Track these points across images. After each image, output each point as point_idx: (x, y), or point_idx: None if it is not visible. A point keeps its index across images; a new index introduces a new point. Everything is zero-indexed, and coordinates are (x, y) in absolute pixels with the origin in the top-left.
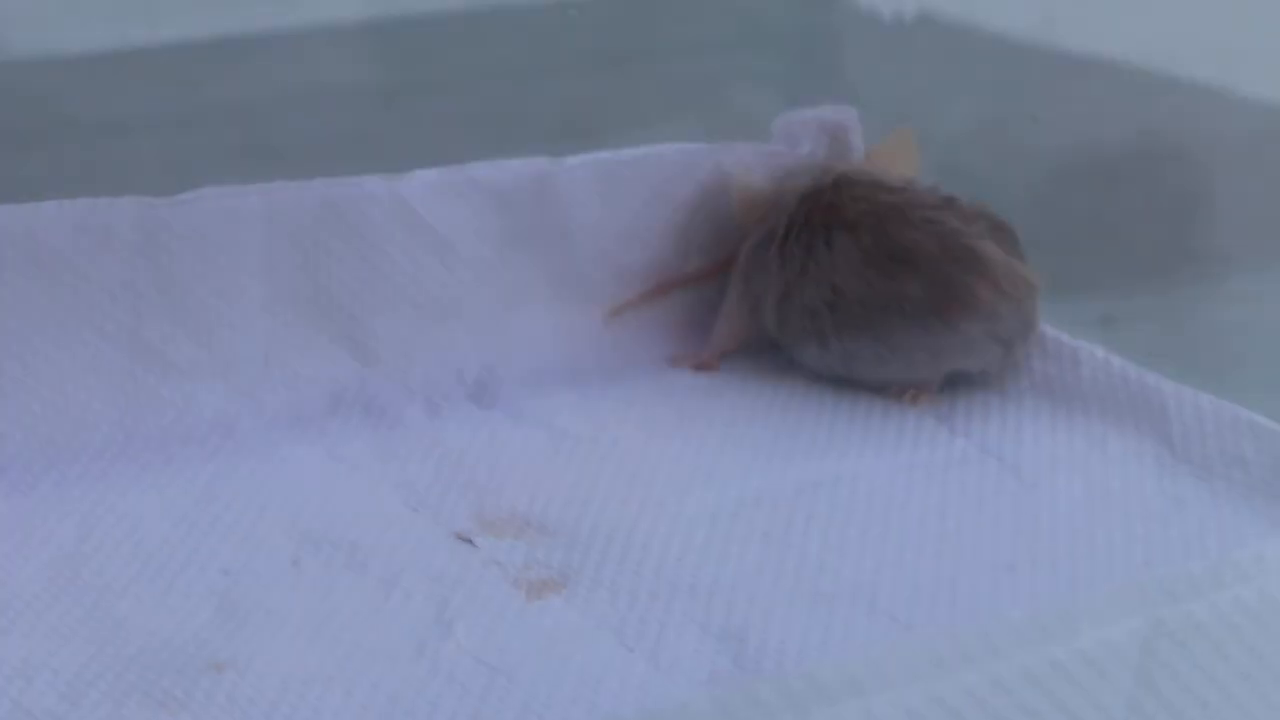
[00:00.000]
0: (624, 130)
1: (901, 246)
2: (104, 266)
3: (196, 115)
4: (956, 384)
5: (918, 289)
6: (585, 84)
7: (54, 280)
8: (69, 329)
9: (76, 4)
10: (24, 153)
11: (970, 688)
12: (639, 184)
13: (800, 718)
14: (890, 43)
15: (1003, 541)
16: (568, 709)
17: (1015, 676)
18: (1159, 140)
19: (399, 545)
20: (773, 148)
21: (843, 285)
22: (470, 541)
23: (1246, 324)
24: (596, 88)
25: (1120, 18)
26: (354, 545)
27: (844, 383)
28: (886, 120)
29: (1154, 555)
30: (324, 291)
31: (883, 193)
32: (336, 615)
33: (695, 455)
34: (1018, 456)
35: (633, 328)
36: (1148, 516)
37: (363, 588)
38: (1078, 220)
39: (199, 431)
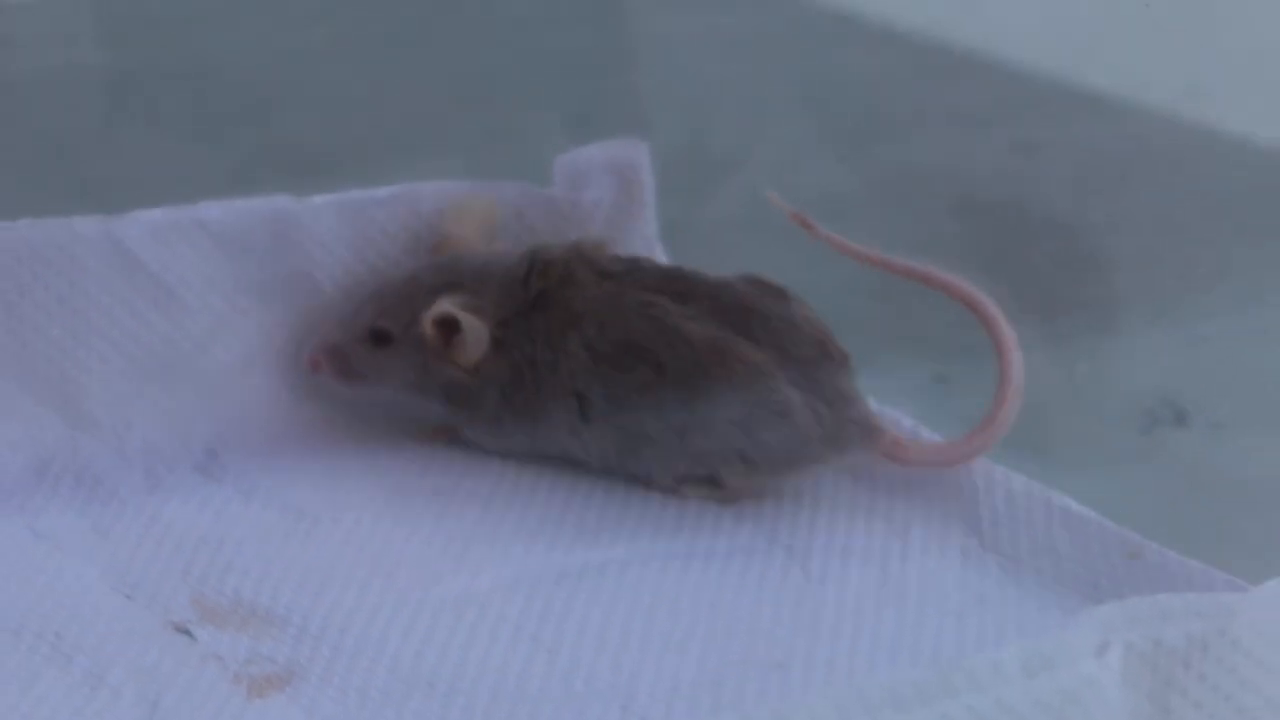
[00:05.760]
0: (385, 164)
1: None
2: None
3: None
4: None
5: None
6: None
7: None
8: None
9: None
10: None
11: None
12: (393, 226)
13: None
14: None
15: (778, 638)
16: None
17: None
18: (1024, 163)
19: (108, 636)
20: (550, 191)
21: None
22: (188, 633)
23: (1088, 386)
24: (357, 117)
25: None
26: (59, 635)
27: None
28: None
29: (944, 655)
30: (30, 347)
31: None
32: (35, 715)
33: (447, 538)
34: (809, 546)
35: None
36: (943, 613)
37: (66, 683)
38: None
39: None
